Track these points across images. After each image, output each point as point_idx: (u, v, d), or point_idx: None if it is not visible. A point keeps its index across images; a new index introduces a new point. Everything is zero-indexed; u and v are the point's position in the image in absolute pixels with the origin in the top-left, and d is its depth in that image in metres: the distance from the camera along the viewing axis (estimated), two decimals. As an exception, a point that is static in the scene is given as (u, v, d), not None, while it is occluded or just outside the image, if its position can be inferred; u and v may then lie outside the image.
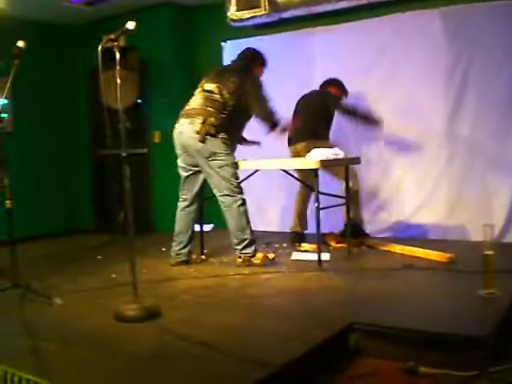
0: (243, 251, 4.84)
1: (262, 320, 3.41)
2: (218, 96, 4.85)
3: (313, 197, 5.24)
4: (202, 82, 5.03)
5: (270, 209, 6.63)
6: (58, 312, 3.69)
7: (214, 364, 2.72)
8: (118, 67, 3.47)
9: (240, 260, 4.86)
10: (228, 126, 4.83)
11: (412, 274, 4.42)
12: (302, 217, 5.79)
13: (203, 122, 4.74)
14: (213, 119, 4.75)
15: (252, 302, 3.83)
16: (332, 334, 3.08)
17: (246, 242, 4.83)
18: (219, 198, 4.87)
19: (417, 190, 5.93)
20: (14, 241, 3.98)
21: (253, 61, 5.17)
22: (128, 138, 3.62)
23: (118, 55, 3.46)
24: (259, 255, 4.86)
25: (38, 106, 7.35)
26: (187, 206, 5.05)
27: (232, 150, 4.95)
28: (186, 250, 5.07)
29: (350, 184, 5.26)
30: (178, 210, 5.08)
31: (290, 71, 6.53)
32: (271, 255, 4.99)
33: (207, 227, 6.40)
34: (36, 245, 6.47)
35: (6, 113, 5.52)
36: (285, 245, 5.72)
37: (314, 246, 5.15)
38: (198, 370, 2.67)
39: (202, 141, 4.74)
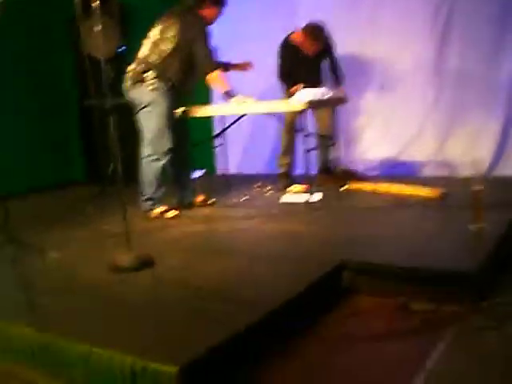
0: (143, 203, 4.86)
1: (255, 264, 3.44)
2: (155, 42, 4.73)
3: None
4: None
5: (258, 151, 6.59)
6: (53, 265, 3.70)
7: (209, 308, 2.77)
8: (97, 14, 3.41)
9: (142, 210, 4.87)
10: (167, 70, 4.70)
11: (402, 211, 4.45)
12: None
13: (133, 70, 4.74)
14: (141, 67, 4.70)
15: (244, 247, 3.86)
16: (324, 273, 3.13)
17: (145, 197, 4.84)
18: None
19: (405, 128, 5.91)
20: (4, 196, 3.98)
21: (200, 2, 4.79)
22: (112, 87, 3.59)
23: (97, 2, 3.40)
24: (158, 210, 4.81)
25: (20, 57, 7.19)
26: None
27: (172, 94, 4.76)
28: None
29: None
30: None
31: (271, 11, 6.40)
32: (173, 213, 4.82)
33: (198, 172, 6.37)
34: (27, 199, 6.44)
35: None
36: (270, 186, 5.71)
37: (304, 187, 5.16)
38: (194, 314, 2.72)
39: (130, 88, 4.74)
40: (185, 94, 4.96)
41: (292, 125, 5.59)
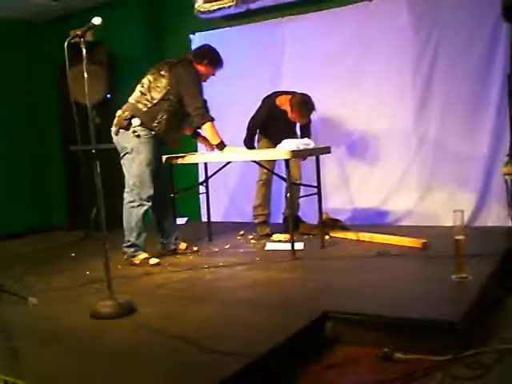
0: (125, 249, 4.84)
1: (237, 312, 3.42)
2: (146, 89, 4.79)
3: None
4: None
5: (243, 199, 6.61)
6: (34, 312, 3.66)
7: (190, 357, 2.73)
8: (84, 62, 3.45)
9: (125, 256, 4.84)
10: (152, 119, 4.71)
11: (385, 260, 4.45)
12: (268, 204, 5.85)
13: (119, 116, 4.78)
14: (127, 113, 4.73)
15: (227, 295, 3.86)
16: (307, 323, 3.11)
17: (128, 243, 4.82)
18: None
19: (387, 178, 5.97)
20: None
21: (199, 58, 4.93)
22: (99, 133, 3.61)
23: (84, 51, 3.45)
24: (141, 256, 4.78)
25: (6, 102, 7.23)
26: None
27: (154, 142, 4.77)
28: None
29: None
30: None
31: (259, 61, 6.54)
32: (154, 260, 4.79)
33: (181, 220, 6.39)
34: (9, 244, 6.41)
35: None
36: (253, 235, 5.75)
37: (287, 236, 5.16)
38: (175, 364, 2.68)
39: (116, 133, 4.77)
40: (169, 145, 4.97)
41: (269, 177, 5.66)
